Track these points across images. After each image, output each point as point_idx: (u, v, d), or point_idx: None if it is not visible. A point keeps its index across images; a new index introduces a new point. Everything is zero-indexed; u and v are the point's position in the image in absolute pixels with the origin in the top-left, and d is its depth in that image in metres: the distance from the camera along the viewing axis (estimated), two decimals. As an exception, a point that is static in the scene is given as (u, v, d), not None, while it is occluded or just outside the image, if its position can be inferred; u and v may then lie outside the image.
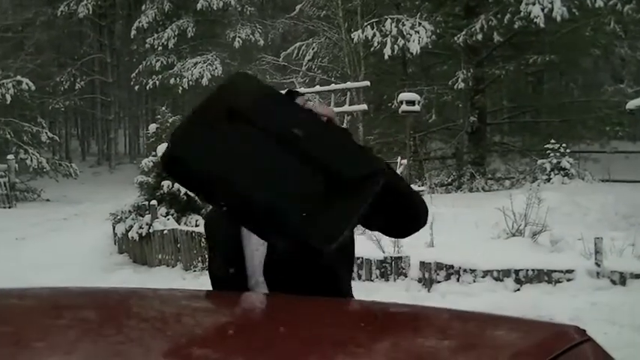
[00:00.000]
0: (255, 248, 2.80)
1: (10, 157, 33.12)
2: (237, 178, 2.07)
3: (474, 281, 11.97)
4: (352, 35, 30.12)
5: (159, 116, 21.82)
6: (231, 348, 1.63)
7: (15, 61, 40.94)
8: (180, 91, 45.16)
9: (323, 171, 2.09)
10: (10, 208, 30.82)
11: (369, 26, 29.24)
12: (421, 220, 2.85)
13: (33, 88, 36.76)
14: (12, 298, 2.15)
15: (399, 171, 21.56)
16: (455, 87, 29.82)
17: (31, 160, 35.88)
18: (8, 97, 34.83)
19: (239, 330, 1.82)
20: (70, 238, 20.29)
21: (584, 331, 1.83)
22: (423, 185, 22.27)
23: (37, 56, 46.40)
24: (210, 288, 2.80)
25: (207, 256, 3.40)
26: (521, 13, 26.35)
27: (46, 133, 38.56)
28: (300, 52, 36.29)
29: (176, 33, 45.65)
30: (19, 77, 36.18)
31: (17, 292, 2.12)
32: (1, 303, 2.19)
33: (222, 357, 1.57)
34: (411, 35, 28.50)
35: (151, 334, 1.69)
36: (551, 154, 25.37)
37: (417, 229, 2.92)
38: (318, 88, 20.38)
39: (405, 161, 21.13)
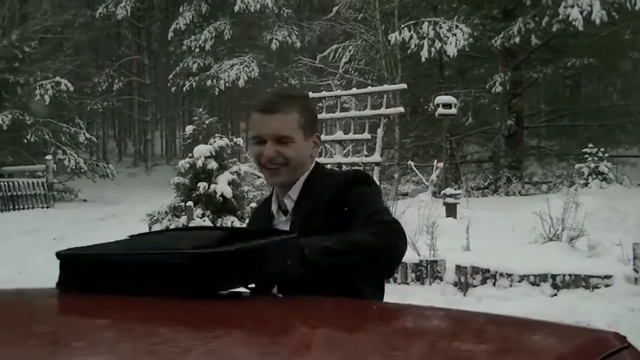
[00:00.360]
0: None
1: (49, 157, 33.38)
2: None
3: (511, 285, 11.90)
4: (389, 37, 30.09)
5: (195, 118, 21.91)
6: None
7: (54, 62, 41.20)
8: (216, 93, 45.39)
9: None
10: (48, 208, 31.05)
11: (406, 28, 29.22)
12: (385, 263, 2.82)
13: (71, 89, 37.03)
14: (50, 297, 2.16)
15: (434, 174, 21.54)
16: (492, 90, 29.72)
17: (69, 161, 36.14)
18: (47, 98, 35.09)
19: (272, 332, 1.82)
20: (106, 239, 20.26)
21: (624, 337, 1.81)
22: (459, 189, 22.18)
23: (75, 57, 46.70)
24: None
25: None
26: (560, 16, 26.22)
27: (84, 133, 38.84)
28: (337, 54, 36.30)
29: (213, 35, 45.85)
30: (57, 78, 36.43)
31: (54, 291, 2.14)
32: (38, 303, 2.21)
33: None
34: (448, 38, 28.46)
35: (188, 335, 1.70)
36: (589, 159, 25.22)
37: (390, 271, 3.04)
38: (354, 90, 20.34)
39: (441, 164, 21.08)
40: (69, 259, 2.16)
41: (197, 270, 1.95)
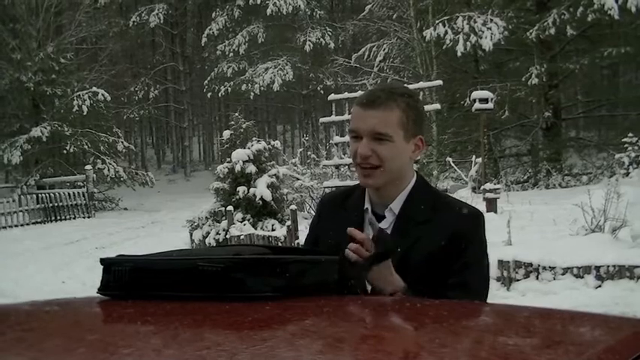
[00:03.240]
0: None
1: (88, 167, 33.63)
2: None
3: (554, 279, 11.83)
4: (424, 34, 30.03)
5: (232, 122, 21.95)
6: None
7: (90, 72, 41.51)
8: (252, 97, 45.50)
9: None
10: (89, 217, 31.32)
11: (440, 24, 29.16)
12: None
13: (108, 98, 37.23)
14: (95, 306, 2.18)
15: (473, 170, 21.46)
16: (528, 83, 29.59)
17: (108, 170, 36.35)
18: (85, 109, 35.32)
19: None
20: (148, 246, 20.51)
21: (671, 326, 1.80)
22: (498, 183, 22.08)
23: (111, 67, 47.03)
24: None
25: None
26: (595, 6, 26.02)
27: (122, 142, 39.05)
28: (372, 53, 36.31)
29: (246, 39, 45.98)
30: (94, 88, 36.66)
31: (99, 299, 2.16)
32: (85, 311, 2.23)
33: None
34: (482, 32, 28.38)
35: (233, 339, 1.71)
36: (629, 148, 24.98)
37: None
38: (390, 88, 20.35)
39: (479, 160, 20.98)
40: (112, 265, 2.18)
41: (232, 274, 1.97)
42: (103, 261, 2.21)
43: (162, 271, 2.09)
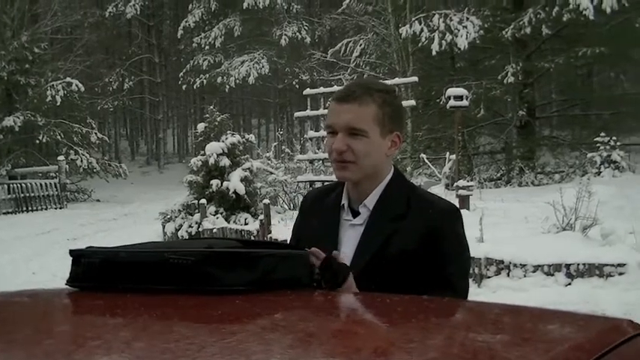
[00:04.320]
0: (342, 257, 2.72)
1: (61, 158, 33.47)
2: None
3: (525, 276, 11.90)
4: (400, 31, 30.08)
5: (207, 115, 21.93)
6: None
7: (64, 62, 41.35)
8: (227, 90, 45.44)
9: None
10: (61, 208, 31.16)
11: (417, 21, 29.21)
12: None
13: (82, 89, 37.08)
14: (65, 297, 2.17)
15: (447, 167, 21.53)
16: (504, 81, 29.67)
17: (82, 161, 36.20)
18: (58, 99, 35.16)
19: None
20: (120, 238, 20.42)
21: (639, 325, 1.82)
22: (471, 180, 22.16)
23: (86, 58, 46.87)
24: None
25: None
26: (570, 6, 26.11)
27: (96, 133, 38.89)
28: (348, 48, 36.35)
29: (223, 32, 45.88)
30: (68, 79, 36.51)
31: (69, 291, 2.15)
32: (54, 303, 2.22)
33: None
34: (458, 30, 28.46)
35: (203, 332, 1.70)
36: (602, 147, 25.17)
37: None
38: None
39: (453, 157, 21.05)
40: (81, 257, 2.16)
41: (202, 267, 1.97)
42: (72, 252, 2.19)
43: (132, 264, 2.07)
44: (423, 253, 2.71)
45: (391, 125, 2.83)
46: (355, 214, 2.89)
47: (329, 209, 2.97)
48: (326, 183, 3.24)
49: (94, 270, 2.11)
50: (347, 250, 2.80)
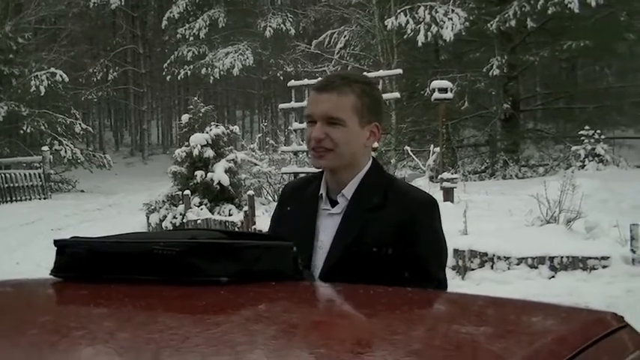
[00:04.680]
0: (320, 246, 2.83)
1: (45, 148, 33.28)
2: None
3: (509, 268, 11.94)
4: (385, 22, 30.03)
5: (191, 106, 21.89)
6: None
7: (48, 53, 41.16)
8: (211, 81, 45.33)
9: None
10: (45, 199, 31.02)
11: (402, 13, 29.18)
12: None
13: (67, 79, 36.92)
14: (49, 287, 2.17)
15: (431, 159, 21.56)
16: (489, 74, 29.71)
17: (66, 152, 36.05)
18: (42, 89, 35.00)
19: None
20: (104, 229, 20.28)
21: (622, 317, 1.82)
22: (455, 173, 22.19)
23: (70, 48, 46.67)
24: None
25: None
26: (555, -1, 26.18)
27: (80, 124, 38.75)
28: (332, 40, 36.28)
29: (207, 23, 45.72)
30: (52, 69, 36.35)
31: (52, 281, 2.14)
32: (38, 293, 2.21)
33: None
34: (444, 22, 28.45)
35: (187, 322, 1.70)
36: (586, 141, 25.26)
37: None
38: (350, 76, 20.37)
39: (437, 149, 21.06)
40: (66, 247, 2.16)
41: (187, 258, 1.97)
42: (56, 242, 2.18)
43: (117, 254, 2.06)
44: (399, 244, 2.72)
45: (370, 116, 2.85)
46: (334, 203, 2.91)
47: (307, 199, 2.99)
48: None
49: (79, 260, 2.10)
50: (324, 239, 2.84)
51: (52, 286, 2.14)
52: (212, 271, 1.97)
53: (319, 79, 2.92)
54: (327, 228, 2.87)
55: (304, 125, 19.74)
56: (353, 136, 2.81)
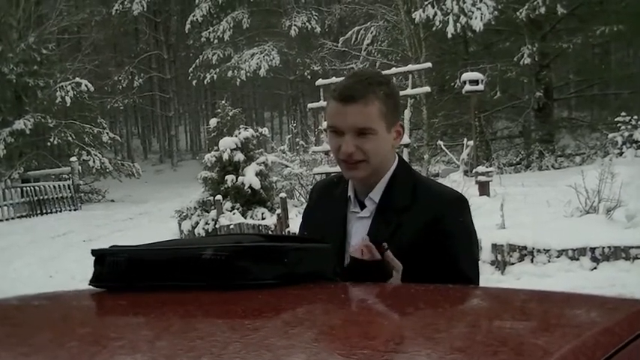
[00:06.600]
0: (351, 251, 2.77)
1: (73, 159, 33.53)
2: None
3: (549, 261, 11.87)
4: (412, 16, 29.99)
5: (219, 110, 21.96)
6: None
7: (73, 62, 41.41)
8: (238, 84, 45.44)
9: None
10: (75, 210, 31.24)
11: (429, 5, 29.12)
12: None
13: (92, 88, 37.13)
14: (86, 298, 2.18)
15: (465, 153, 21.50)
16: (520, 62, 29.60)
17: (94, 162, 36.25)
18: (68, 100, 35.23)
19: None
20: (136, 238, 20.34)
21: (670, 305, 1.81)
22: (490, 166, 22.11)
23: (94, 57, 46.93)
24: None
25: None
26: (585, -17, 26.04)
27: (107, 133, 38.96)
28: (359, 36, 36.29)
29: (231, 25, 45.87)
30: (77, 79, 36.57)
31: (89, 292, 2.16)
32: (75, 304, 2.23)
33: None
34: (472, 12, 28.36)
35: (226, 329, 1.71)
36: (623, 127, 25.03)
37: None
38: (378, 72, 20.35)
39: (471, 142, 21.01)
40: (106, 256, 2.17)
41: (236, 262, 1.97)
42: (94, 252, 2.19)
43: (159, 261, 2.07)
44: (430, 244, 2.71)
45: (394, 117, 2.84)
46: (362, 205, 2.91)
47: (336, 201, 3.00)
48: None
49: (121, 269, 2.11)
50: (355, 242, 2.80)
51: (90, 297, 2.16)
52: (260, 274, 1.98)
53: (339, 82, 2.88)
54: (357, 232, 2.86)
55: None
56: (383, 142, 2.80)
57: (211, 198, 19.45)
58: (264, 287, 1.96)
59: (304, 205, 3.49)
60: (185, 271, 2.02)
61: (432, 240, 2.71)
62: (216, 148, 20.14)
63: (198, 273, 1.99)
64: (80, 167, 33.90)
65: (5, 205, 29.09)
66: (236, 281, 1.95)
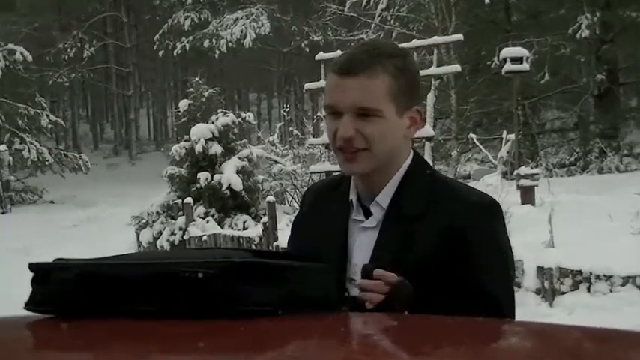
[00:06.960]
0: (354, 271, 2.78)
1: (3, 147, 33.47)
2: None
3: (611, 291, 11.87)
4: (440, -27, 30.04)
5: (191, 89, 21.98)
6: None
7: (5, 25, 41.44)
8: (217, 56, 45.46)
9: None
10: (4, 213, 31.23)
11: (461, -40, 29.17)
12: None
13: (29, 58, 37.13)
14: (21, 327, 2.17)
15: (504, 150, 21.52)
16: (576, 36, 29.60)
17: (29, 152, 36.24)
18: (-2, 72, 35.29)
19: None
20: (81, 251, 20.40)
21: None
22: (536, 167, 22.16)
23: (33, 18, 46.93)
24: None
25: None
26: None
27: (47, 115, 38.97)
28: (372, -1, 36.29)
29: (209, -18, 45.94)
30: (11, 45, 36.58)
31: (25, 318, 2.14)
32: (7, 334, 2.21)
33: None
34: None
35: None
36: None
37: None
38: (395, 45, 20.37)
39: (512, 136, 21.04)
40: (49, 272, 2.13)
41: (232, 281, 1.93)
42: (33, 266, 2.15)
43: (121, 279, 2.01)
44: (450, 262, 2.68)
45: (409, 99, 2.78)
46: (367, 212, 2.87)
47: (335, 207, 2.97)
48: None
49: (67, 289, 2.07)
50: (358, 260, 2.79)
51: (24, 325, 2.13)
52: (259, 298, 1.95)
53: (340, 54, 2.83)
54: (360, 246, 2.84)
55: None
56: (391, 128, 2.74)
57: (179, 201, 19.48)
58: (261, 314, 1.93)
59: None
60: (158, 292, 1.95)
61: (453, 256, 2.68)
62: (186, 137, 20.18)
63: (176, 295, 1.95)
64: (11, 158, 33.88)
65: None
66: (227, 306, 1.92)
